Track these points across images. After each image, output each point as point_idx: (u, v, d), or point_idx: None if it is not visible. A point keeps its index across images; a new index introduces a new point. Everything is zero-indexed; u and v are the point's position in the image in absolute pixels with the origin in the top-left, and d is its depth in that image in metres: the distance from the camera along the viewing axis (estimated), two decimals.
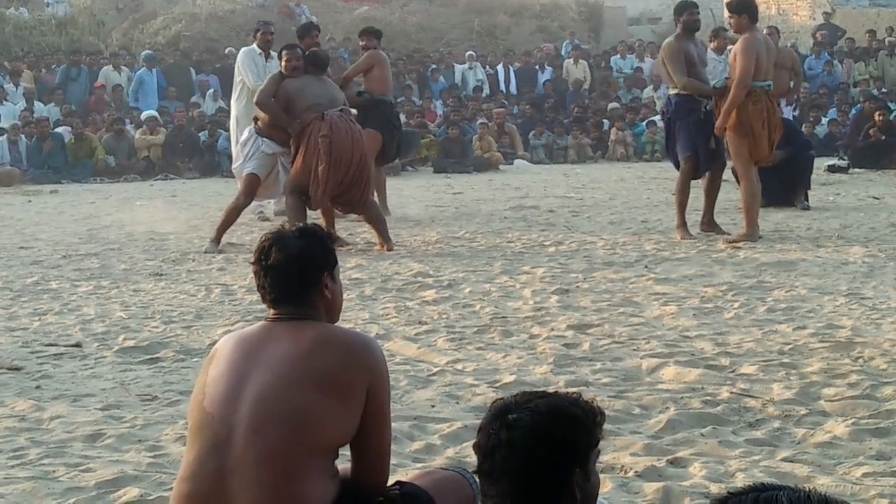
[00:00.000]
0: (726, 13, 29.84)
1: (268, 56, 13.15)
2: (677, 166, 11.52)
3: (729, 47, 16.24)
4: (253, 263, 3.64)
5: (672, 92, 11.28)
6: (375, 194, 12.47)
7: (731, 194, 13.09)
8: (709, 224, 11.52)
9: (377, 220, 10.95)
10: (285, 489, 3.32)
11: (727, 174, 12.10)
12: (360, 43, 13.78)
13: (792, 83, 14.46)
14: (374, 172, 13.40)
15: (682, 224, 11.32)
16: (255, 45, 13.42)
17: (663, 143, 15.13)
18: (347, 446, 3.52)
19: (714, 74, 14.75)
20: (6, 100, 22.45)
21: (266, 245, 3.60)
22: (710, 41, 16.54)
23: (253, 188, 11.32)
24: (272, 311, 3.59)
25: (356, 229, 12.25)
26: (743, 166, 10.98)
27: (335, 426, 3.40)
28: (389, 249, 10.71)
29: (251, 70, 13.07)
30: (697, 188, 11.78)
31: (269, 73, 12.10)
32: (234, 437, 3.35)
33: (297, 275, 3.56)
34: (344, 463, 3.56)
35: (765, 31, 17.12)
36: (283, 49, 11.20)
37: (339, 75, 13.47)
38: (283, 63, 10.94)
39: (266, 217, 13.34)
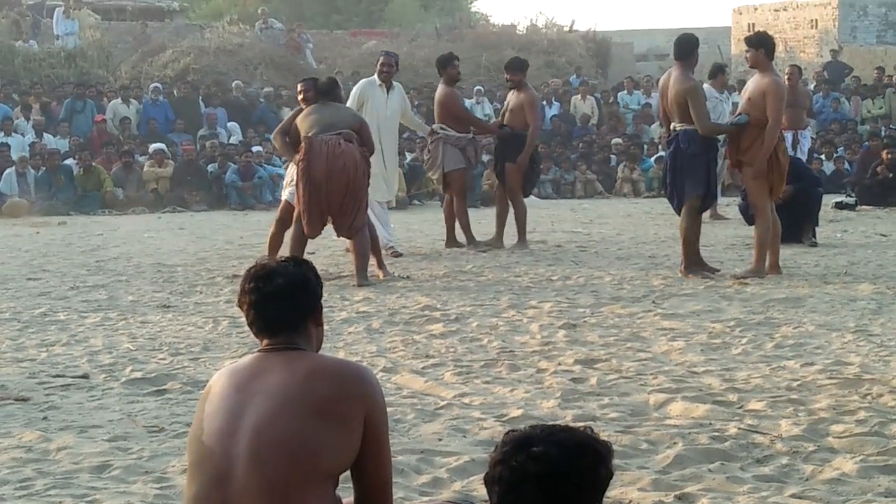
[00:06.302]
0: (735, 50, 29.97)
1: (389, 88, 12.84)
2: (678, 206, 11.04)
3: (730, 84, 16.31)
4: (246, 293, 3.56)
5: (686, 127, 10.71)
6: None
7: (739, 230, 13.09)
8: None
9: (360, 253, 10.82)
10: None
11: (734, 212, 12.08)
12: (506, 76, 14.25)
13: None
14: (520, 204, 13.59)
15: (696, 262, 11.14)
16: (374, 77, 13.03)
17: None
18: (350, 477, 3.52)
19: (716, 113, 14.65)
20: (15, 132, 22.51)
21: (262, 273, 3.55)
22: (710, 78, 16.62)
23: (284, 213, 11.37)
24: (265, 342, 3.56)
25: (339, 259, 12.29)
26: (762, 203, 10.77)
27: (334, 452, 3.39)
28: (358, 285, 10.57)
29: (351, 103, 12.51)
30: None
31: (389, 105, 12.73)
32: (234, 471, 3.35)
33: (297, 302, 3.55)
34: (348, 497, 3.55)
35: (787, 70, 17.29)
36: (299, 83, 11.47)
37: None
38: (298, 96, 11.19)
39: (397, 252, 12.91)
